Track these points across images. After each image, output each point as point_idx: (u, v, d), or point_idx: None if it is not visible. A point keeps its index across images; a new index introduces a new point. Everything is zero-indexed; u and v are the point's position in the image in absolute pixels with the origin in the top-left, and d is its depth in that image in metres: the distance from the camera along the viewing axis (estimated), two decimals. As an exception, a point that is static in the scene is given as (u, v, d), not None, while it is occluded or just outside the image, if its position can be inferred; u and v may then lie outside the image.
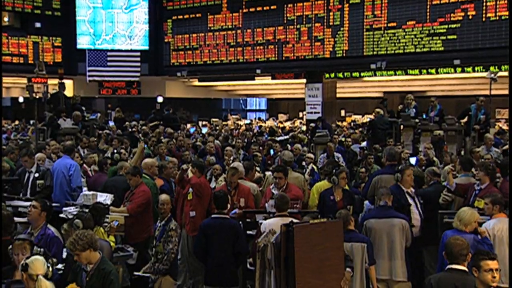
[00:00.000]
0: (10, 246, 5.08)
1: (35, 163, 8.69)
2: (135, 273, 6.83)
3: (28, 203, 6.92)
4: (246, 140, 15.31)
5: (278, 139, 15.08)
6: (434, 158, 10.65)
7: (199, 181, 7.61)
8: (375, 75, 22.01)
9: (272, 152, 12.94)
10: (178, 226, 6.76)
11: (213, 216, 6.65)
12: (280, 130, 19.66)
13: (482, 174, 7.10)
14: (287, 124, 24.52)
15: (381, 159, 9.86)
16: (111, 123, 18.59)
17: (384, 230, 6.44)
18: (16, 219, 6.60)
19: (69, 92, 22.51)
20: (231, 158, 10.91)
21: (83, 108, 16.37)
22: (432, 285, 4.66)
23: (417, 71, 21.15)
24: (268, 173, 9.13)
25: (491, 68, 18.13)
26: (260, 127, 21.57)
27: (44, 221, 5.97)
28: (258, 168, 10.10)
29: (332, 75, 22.92)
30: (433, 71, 20.68)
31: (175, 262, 6.78)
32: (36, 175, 8.51)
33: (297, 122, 25.21)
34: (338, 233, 4.86)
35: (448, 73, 20.48)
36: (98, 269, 4.96)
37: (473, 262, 4.43)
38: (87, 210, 6.49)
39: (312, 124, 17.77)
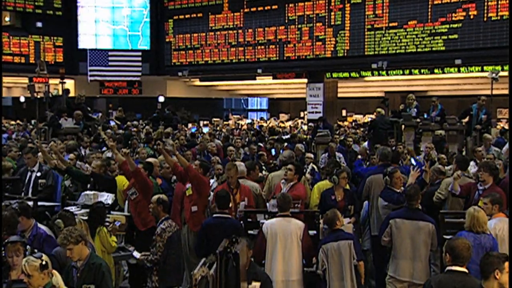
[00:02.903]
0: (3, 248, 5.08)
1: (37, 162, 8.68)
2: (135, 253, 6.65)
3: (30, 203, 6.93)
4: (247, 140, 15.31)
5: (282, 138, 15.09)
6: (436, 158, 10.63)
7: (197, 172, 7.54)
8: (377, 74, 22.01)
9: (273, 151, 12.93)
10: (163, 230, 6.29)
11: (214, 215, 6.64)
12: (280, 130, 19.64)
13: (486, 174, 7.05)
14: (288, 124, 24.48)
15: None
16: (112, 123, 18.60)
17: (409, 232, 6.36)
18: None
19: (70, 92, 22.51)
20: (232, 157, 10.92)
21: (89, 109, 16.39)
22: (432, 287, 4.64)
23: (418, 71, 21.16)
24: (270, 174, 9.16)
25: (492, 68, 18.13)
26: (260, 126, 21.55)
27: (32, 223, 5.94)
28: (264, 168, 10.11)
29: (334, 74, 22.94)
30: (435, 70, 20.68)
31: (169, 269, 6.33)
32: (38, 174, 8.50)
33: (298, 122, 25.15)
34: (246, 254, 4.24)
35: (450, 72, 20.49)
36: (89, 264, 4.99)
37: (496, 265, 4.18)
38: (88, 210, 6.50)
39: (311, 124, 17.77)
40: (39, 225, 5.98)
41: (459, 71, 20.05)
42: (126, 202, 7.78)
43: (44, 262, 4.39)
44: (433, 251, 6.58)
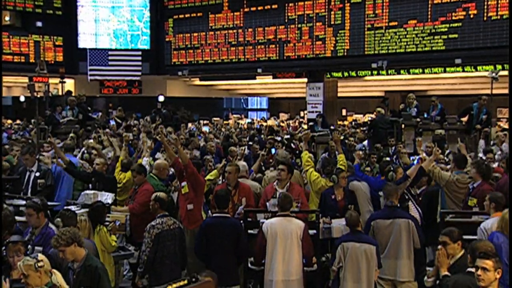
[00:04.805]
0: (4, 248, 5.08)
1: (35, 162, 8.68)
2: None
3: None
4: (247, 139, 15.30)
5: (278, 138, 15.05)
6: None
7: (195, 170, 7.46)
8: (377, 74, 22.00)
9: (273, 151, 12.93)
10: (152, 226, 6.30)
11: (214, 215, 6.64)
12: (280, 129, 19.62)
13: (473, 171, 7.12)
14: (285, 124, 24.44)
15: (382, 158, 9.95)
16: (112, 122, 18.59)
17: (389, 231, 6.40)
18: (17, 218, 6.59)
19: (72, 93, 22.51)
20: (236, 157, 10.88)
21: (89, 108, 16.39)
22: (449, 286, 4.60)
23: (418, 70, 21.14)
24: (266, 172, 9.18)
25: (492, 67, 18.12)
26: (260, 126, 21.54)
27: (45, 221, 5.95)
28: (263, 167, 10.12)
29: (334, 74, 22.92)
30: (435, 70, 20.66)
31: (158, 266, 6.28)
32: (37, 174, 8.50)
33: (297, 123, 25.08)
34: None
35: (450, 72, 20.47)
36: (85, 266, 4.96)
37: None
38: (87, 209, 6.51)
39: (311, 123, 17.76)
40: (50, 224, 5.99)
41: (464, 69, 19.99)
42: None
43: (40, 262, 4.38)
44: (416, 248, 6.51)
